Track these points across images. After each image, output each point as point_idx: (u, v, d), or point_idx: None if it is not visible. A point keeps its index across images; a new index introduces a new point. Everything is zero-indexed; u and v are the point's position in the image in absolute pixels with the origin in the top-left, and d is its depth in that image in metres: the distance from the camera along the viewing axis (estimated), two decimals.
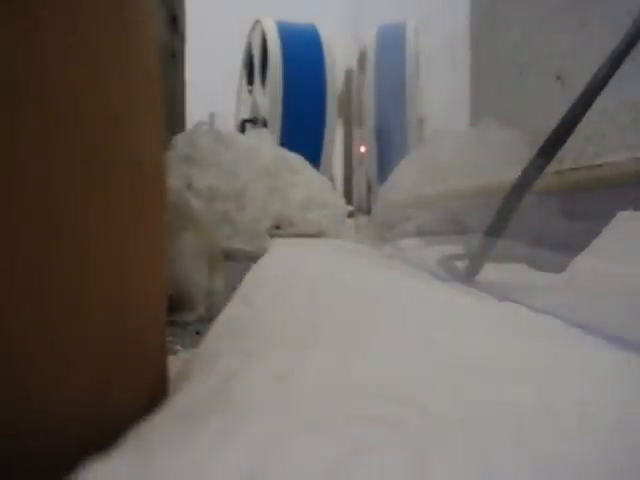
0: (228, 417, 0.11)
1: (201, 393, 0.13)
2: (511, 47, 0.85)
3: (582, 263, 0.33)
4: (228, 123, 1.49)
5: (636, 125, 0.52)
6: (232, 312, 0.19)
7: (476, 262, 0.45)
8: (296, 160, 1.05)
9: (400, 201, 0.96)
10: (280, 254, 0.23)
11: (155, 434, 0.11)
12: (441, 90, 1.29)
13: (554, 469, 0.10)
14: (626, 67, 0.41)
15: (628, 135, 0.52)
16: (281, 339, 0.16)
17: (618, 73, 0.41)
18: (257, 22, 1.40)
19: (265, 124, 1.33)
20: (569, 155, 0.54)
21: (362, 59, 1.44)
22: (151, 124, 0.15)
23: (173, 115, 0.66)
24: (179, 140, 0.86)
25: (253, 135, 1.26)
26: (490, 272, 0.45)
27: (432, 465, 0.10)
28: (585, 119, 0.42)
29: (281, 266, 0.23)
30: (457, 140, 0.93)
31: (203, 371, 0.15)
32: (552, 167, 0.45)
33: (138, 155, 0.14)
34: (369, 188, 1.48)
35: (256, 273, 0.22)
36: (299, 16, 1.39)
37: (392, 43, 1.33)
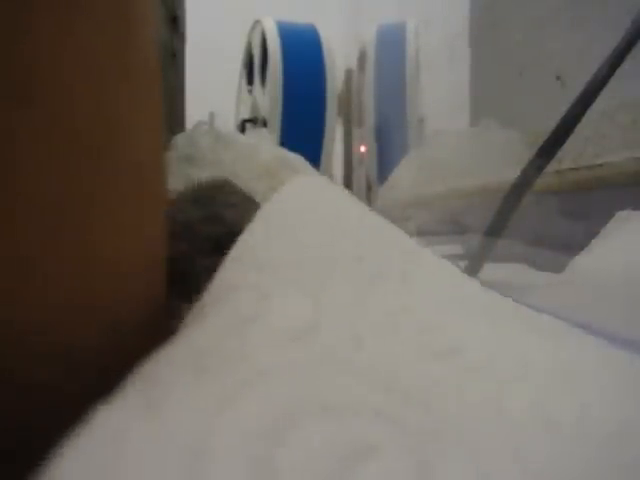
0: (240, 373, 0.11)
1: (213, 335, 0.12)
2: (511, 47, 0.85)
3: (581, 263, 0.33)
4: (228, 123, 1.49)
5: (636, 125, 0.52)
6: (248, 242, 0.18)
7: (476, 262, 0.45)
8: (296, 160, 1.05)
9: (400, 201, 0.96)
10: (300, 190, 0.22)
11: (163, 380, 0.11)
12: (441, 90, 1.29)
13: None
14: (626, 67, 0.41)
15: (628, 135, 0.52)
16: (296, 277, 0.15)
17: (618, 73, 0.41)
18: (257, 22, 1.39)
19: (265, 124, 1.33)
20: (569, 155, 0.54)
21: (362, 59, 1.44)
22: (152, 123, 0.15)
23: (173, 115, 0.66)
24: (179, 140, 0.86)
25: (253, 135, 1.26)
26: (490, 272, 0.45)
27: (435, 474, 0.09)
28: (585, 119, 0.42)
29: (301, 201, 0.22)
30: (457, 140, 0.93)
31: (216, 306, 0.14)
32: (552, 167, 0.45)
33: (139, 154, 0.14)
34: (369, 188, 1.48)
35: (275, 205, 0.21)
36: (299, 16, 1.39)
37: (392, 43, 1.33)
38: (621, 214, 0.34)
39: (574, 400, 0.12)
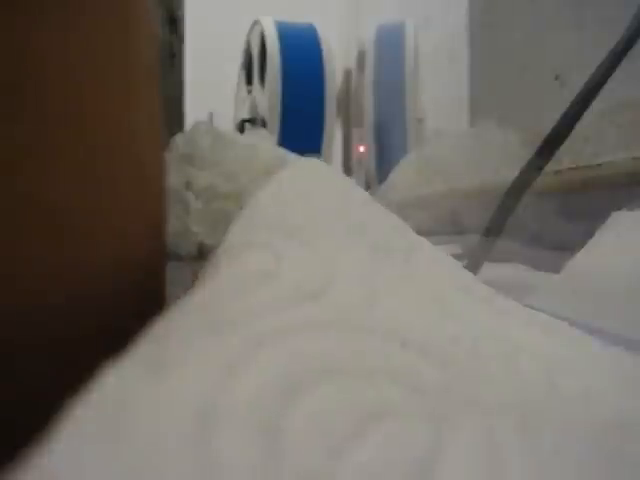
0: (252, 333, 0.11)
1: (226, 292, 0.12)
2: (510, 47, 0.85)
3: (577, 263, 0.33)
4: (227, 123, 1.49)
5: (635, 125, 0.52)
6: (259, 205, 0.18)
7: (475, 262, 0.45)
8: (295, 160, 1.05)
9: (399, 201, 0.96)
10: (309, 168, 0.22)
11: (174, 337, 0.11)
12: (440, 90, 1.29)
13: (558, 463, 0.09)
14: (625, 66, 0.41)
15: (627, 135, 0.52)
16: (309, 241, 0.15)
17: (617, 72, 0.41)
18: (256, 22, 1.39)
19: (264, 124, 1.32)
20: (568, 155, 0.54)
21: (361, 59, 1.44)
22: (151, 121, 0.15)
23: (172, 115, 0.66)
24: (178, 140, 0.86)
25: (252, 135, 1.26)
26: (489, 272, 0.45)
27: (447, 447, 0.09)
28: (583, 119, 0.42)
29: (310, 177, 0.22)
30: (456, 140, 0.93)
31: (229, 262, 0.14)
32: (551, 167, 0.45)
33: (139, 155, 0.14)
34: (368, 188, 1.48)
35: (286, 176, 0.21)
36: (298, 16, 1.39)
37: (391, 43, 1.33)
38: (616, 214, 0.34)
39: (578, 381, 0.12)
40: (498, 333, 0.13)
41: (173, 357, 0.10)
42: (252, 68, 1.42)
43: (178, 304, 0.12)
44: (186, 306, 0.12)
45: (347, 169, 1.69)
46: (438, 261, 0.18)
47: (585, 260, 0.33)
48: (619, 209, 0.35)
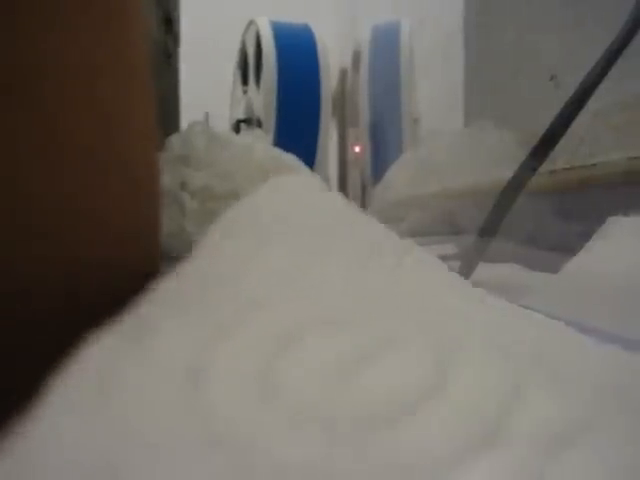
0: (240, 299, 0.11)
1: (214, 267, 0.13)
2: (505, 47, 0.85)
3: (574, 266, 0.34)
4: (223, 123, 1.49)
5: (629, 125, 0.52)
6: (241, 210, 0.18)
7: (470, 262, 0.45)
8: (290, 160, 1.04)
9: (395, 201, 0.96)
10: (288, 184, 0.22)
11: (160, 303, 0.11)
12: (435, 90, 1.29)
13: (575, 387, 0.09)
14: (620, 66, 0.41)
15: (621, 135, 0.52)
16: (293, 241, 0.15)
17: (612, 72, 0.41)
18: (251, 22, 1.39)
19: (260, 124, 1.32)
20: (562, 155, 0.54)
21: (356, 58, 1.44)
22: (144, 124, 0.15)
23: (167, 115, 0.66)
24: (174, 140, 0.86)
25: (248, 135, 1.26)
26: (484, 272, 0.45)
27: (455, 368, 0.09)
28: (578, 119, 0.42)
29: (291, 192, 0.22)
30: (451, 140, 0.93)
31: (211, 248, 0.14)
32: (545, 167, 0.45)
33: (132, 155, 0.14)
34: (364, 188, 1.48)
35: (272, 186, 0.21)
36: (293, 16, 1.39)
37: (386, 42, 1.33)
38: (612, 219, 0.34)
39: (571, 364, 0.12)
40: (492, 323, 0.13)
41: (157, 322, 0.10)
42: (248, 68, 1.42)
43: (159, 283, 0.12)
44: (173, 284, 0.12)
45: (343, 169, 1.69)
46: (428, 269, 0.18)
47: (581, 264, 0.33)
48: (614, 209, 0.35)
